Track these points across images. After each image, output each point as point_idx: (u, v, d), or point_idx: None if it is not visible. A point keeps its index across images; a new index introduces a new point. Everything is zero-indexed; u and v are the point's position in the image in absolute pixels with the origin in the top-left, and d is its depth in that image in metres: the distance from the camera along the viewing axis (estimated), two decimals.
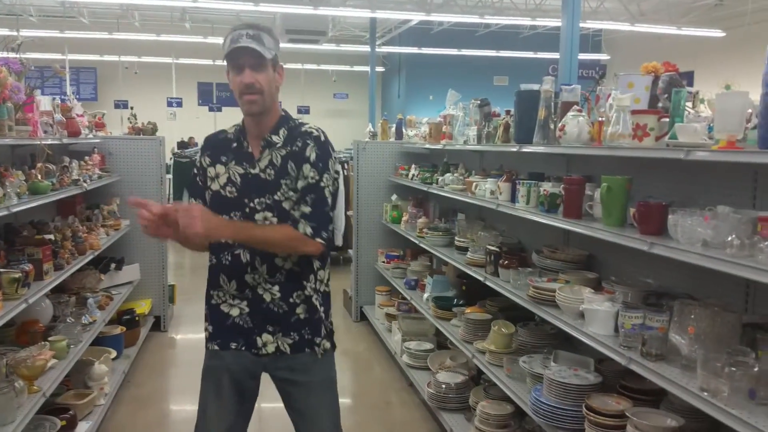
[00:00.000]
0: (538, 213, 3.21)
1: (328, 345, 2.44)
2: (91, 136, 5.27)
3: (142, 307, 5.68)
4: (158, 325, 6.02)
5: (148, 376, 4.99)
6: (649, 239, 2.32)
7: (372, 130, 7.44)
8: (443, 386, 4.05)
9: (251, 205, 2.29)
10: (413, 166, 5.80)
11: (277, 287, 2.32)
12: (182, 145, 14.57)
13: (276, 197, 2.27)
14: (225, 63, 2.28)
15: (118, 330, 4.90)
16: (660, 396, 2.57)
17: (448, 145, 4.90)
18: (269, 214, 2.28)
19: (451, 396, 4.01)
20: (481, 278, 3.85)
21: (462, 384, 4.05)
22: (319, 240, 2.25)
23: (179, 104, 17.30)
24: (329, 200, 2.32)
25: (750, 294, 2.44)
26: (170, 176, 11.60)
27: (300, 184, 2.28)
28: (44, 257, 3.50)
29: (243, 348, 2.36)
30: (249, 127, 2.35)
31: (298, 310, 2.35)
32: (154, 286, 5.97)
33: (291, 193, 2.28)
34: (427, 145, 5.52)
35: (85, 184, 4.41)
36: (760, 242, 1.89)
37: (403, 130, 6.66)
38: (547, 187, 3.18)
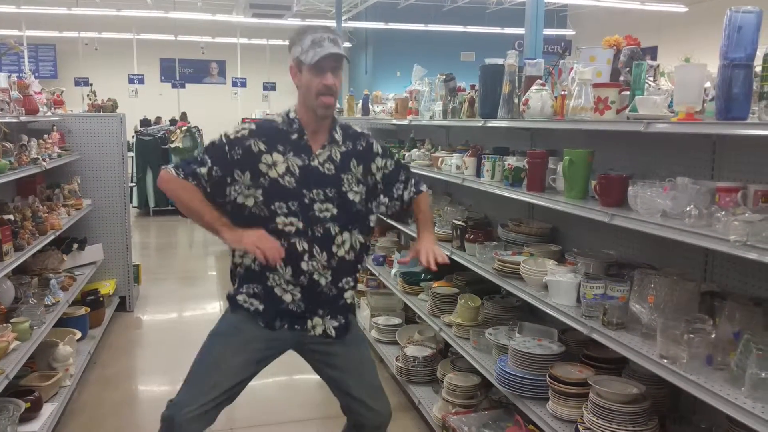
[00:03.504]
0: (502, 187, 3.23)
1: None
2: (49, 113, 5.15)
3: (107, 287, 5.61)
4: (124, 306, 5.96)
5: (114, 357, 4.94)
6: (610, 211, 2.36)
7: (338, 106, 7.37)
8: (411, 360, 4.09)
9: (310, 195, 2.38)
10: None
11: (330, 272, 2.43)
12: (145, 122, 14.29)
13: (343, 189, 2.41)
14: (295, 59, 2.36)
15: (83, 311, 4.83)
16: (622, 364, 2.63)
17: (415, 121, 4.89)
18: (330, 206, 2.40)
19: (419, 369, 4.06)
20: (447, 253, 3.86)
21: (430, 357, 4.09)
22: (425, 190, 2.72)
23: (141, 81, 16.91)
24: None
25: (708, 263, 2.50)
26: (132, 154, 11.43)
27: (379, 175, 2.54)
28: (4, 238, 3.42)
29: (296, 327, 2.46)
30: (307, 123, 2.42)
31: (346, 294, 2.51)
32: (118, 266, 5.88)
33: (355, 187, 2.45)
34: (394, 121, 5.51)
35: (44, 163, 4.30)
36: (717, 212, 1.93)
37: (370, 106, 6.63)
38: (511, 161, 3.20)
